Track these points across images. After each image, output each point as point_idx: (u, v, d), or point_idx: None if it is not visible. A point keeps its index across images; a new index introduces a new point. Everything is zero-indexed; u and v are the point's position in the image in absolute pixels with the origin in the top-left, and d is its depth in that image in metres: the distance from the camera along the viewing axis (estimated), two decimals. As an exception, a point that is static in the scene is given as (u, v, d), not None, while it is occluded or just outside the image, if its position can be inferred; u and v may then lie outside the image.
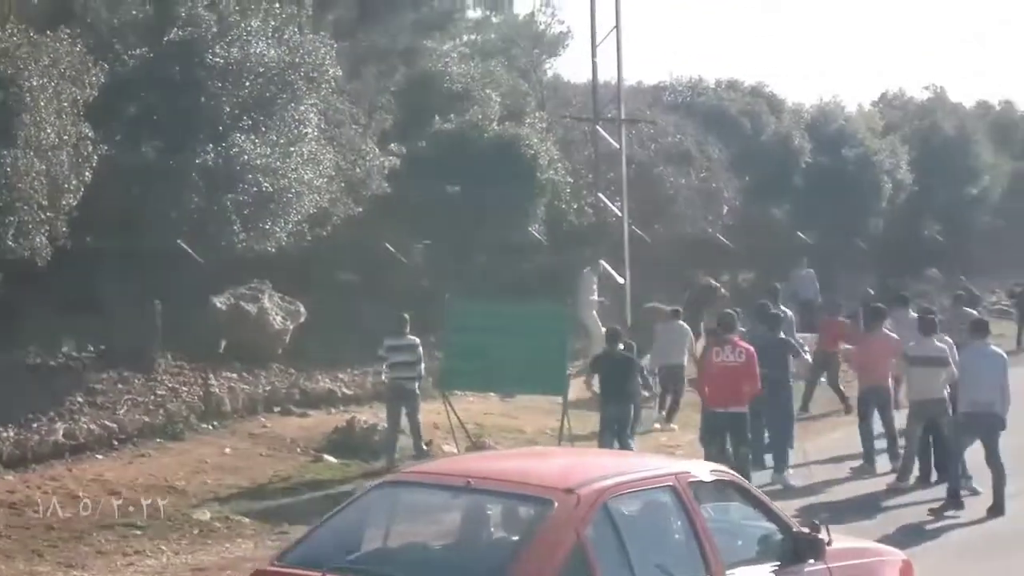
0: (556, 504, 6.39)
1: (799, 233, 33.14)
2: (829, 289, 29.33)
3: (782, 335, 15.82)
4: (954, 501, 13.37)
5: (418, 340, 16.10)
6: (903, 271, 36.24)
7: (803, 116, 36.15)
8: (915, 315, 16.52)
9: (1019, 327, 29.91)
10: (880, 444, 15.74)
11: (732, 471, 8.20)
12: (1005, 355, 14.00)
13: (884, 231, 36.71)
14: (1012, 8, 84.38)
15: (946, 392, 14.14)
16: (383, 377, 16.97)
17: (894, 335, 15.89)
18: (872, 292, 26.66)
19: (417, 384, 15.82)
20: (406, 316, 16.09)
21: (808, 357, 18.19)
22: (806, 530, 7.36)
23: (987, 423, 13.28)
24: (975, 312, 17.83)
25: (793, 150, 33.26)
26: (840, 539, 7.76)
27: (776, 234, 32.75)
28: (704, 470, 7.55)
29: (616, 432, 14.58)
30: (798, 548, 7.27)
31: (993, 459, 13.38)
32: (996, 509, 13.23)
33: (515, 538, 6.63)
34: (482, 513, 7.01)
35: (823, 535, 7.34)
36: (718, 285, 23.96)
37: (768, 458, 15.12)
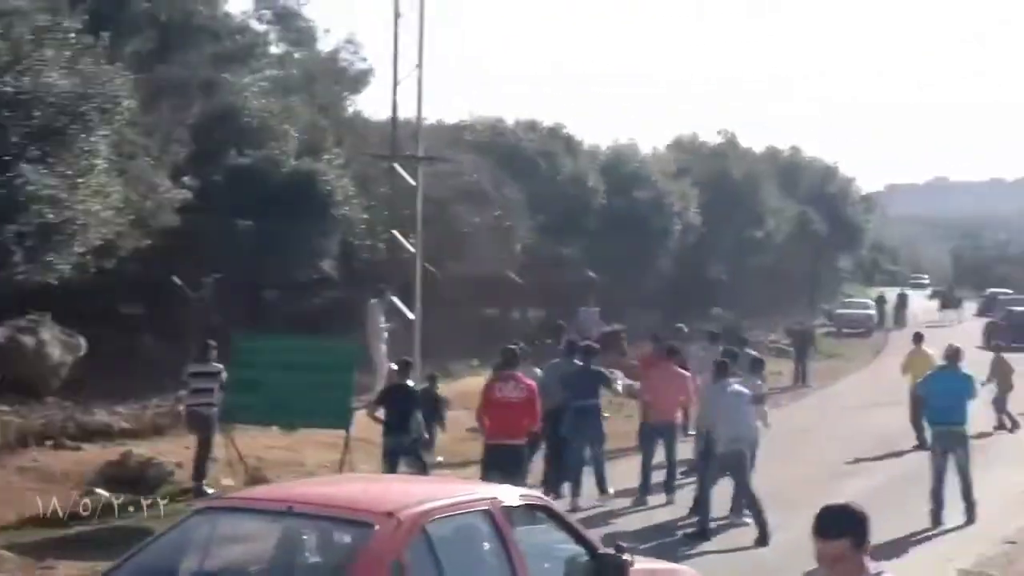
0: (377, 527, 6.51)
1: (589, 272, 34.15)
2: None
3: (594, 367, 16.40)
4: (702, 533, 14.11)
5: (222, 367, 16.15)
6: (690, 309, 37.65)
7: (599, 157, 37.40)
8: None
9: (796, 365, 31.25)
10: (658, 477, 16.25)
11: (542, 496, 8.53)
12: (748, 392, 14.71)
13: (673, 271, 38.23)
14: (794, 59, 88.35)
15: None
16: (181, 405, 16.96)
17: (684, 371, 16.70)
18: (656, 333, 27.57)
19: (215, 411, 15.85)
20: (212, 343, 16.19)
21: (619, 387, 18.93)
22: (611, 552, 7.64)
23: (733, 459, 14.09)
24: (751, 351, 18.84)
25: (588, 190, 34.41)
26: (641, 561, 8.13)
27: (568, 272, 33.72)
28: (515, 495, 7.77)
29: (403, 463, 14.96)
30: (603, 569, 7.50)
31: (744, 492, 14.18)
32: (760, 540, 13.72)
33: (337, 562, 6.77)
34: (304, 538, 7.07)
35: (627, 557, 7.64)
36: (620, 328, 24.48)
37: (566, 487, 15.70)
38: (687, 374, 16.54)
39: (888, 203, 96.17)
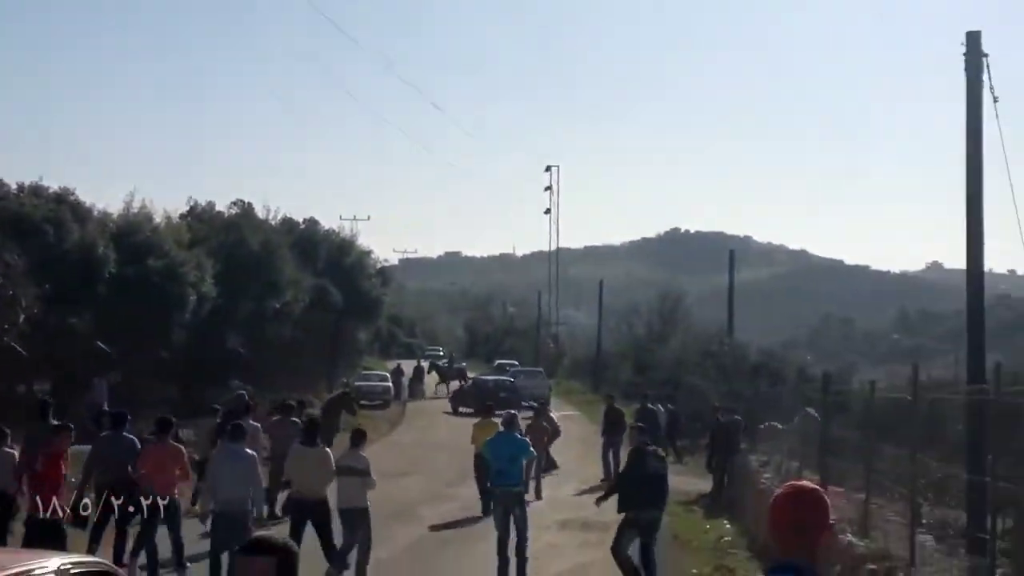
0: None
1: (99, 343, 32.78)
2: (129, 400, 29.24)
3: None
4: None
5: None
6: (207, 381, 36.98)
7: (109, 225, 36.06)
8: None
9: (710, 456, 27.78)
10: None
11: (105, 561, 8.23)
12: (255, 454, 14.94)
13: (188, 341, 37.40)
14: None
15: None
16: None
17: (179, 445, 16.29)
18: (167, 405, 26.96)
19: None
20: None
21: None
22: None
23: (237, 521, 13.88)
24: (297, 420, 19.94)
25: (97, 258, 33.09)
26: None
27: (77, 343, 32.21)
28: (75, 560, 7.49)
29: None
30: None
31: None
32: None
33: None
34: None
35: None
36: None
37: None
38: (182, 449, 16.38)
39: (403, 276, 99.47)
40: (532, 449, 18.27)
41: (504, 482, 16.03)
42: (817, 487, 4.66)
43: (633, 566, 14.40)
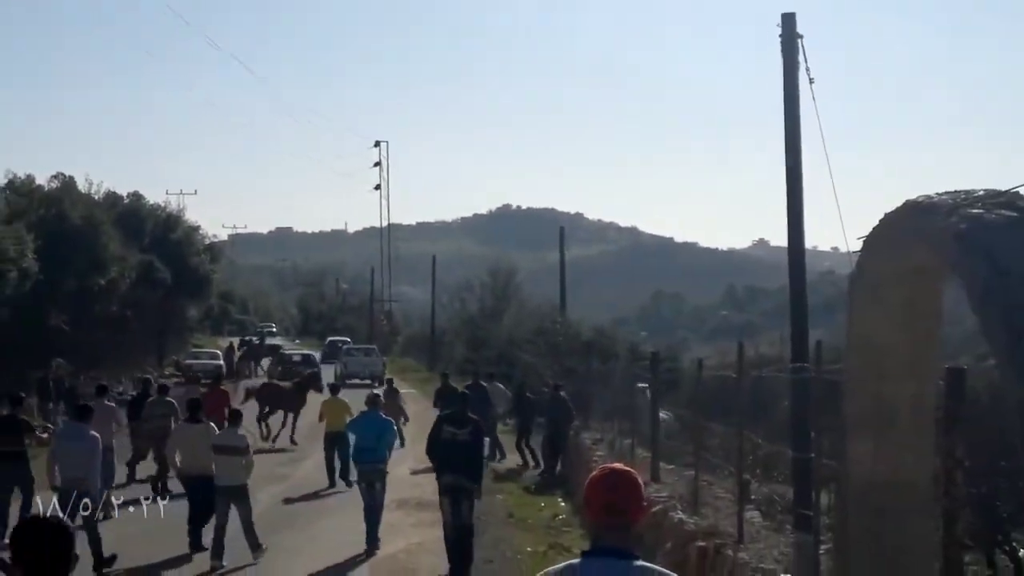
0: None
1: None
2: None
3: None
4: None
5: None
6: (31, 359, 35.76)
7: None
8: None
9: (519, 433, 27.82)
10: None
11: None
12: (97, 435, 14.89)
13: (10, 319, 36.05)
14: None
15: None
16: None
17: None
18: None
19: None
20: None
21: None
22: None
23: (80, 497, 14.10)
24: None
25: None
26: None
27: None
28: None
29: None
30: None
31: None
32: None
33: None
34: None
35: None
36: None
37: None
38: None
39: (233, 252, 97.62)
40: (395, 427, 18.98)
41: (370, 459, 16.89)
42: (631, 469, 4.72)
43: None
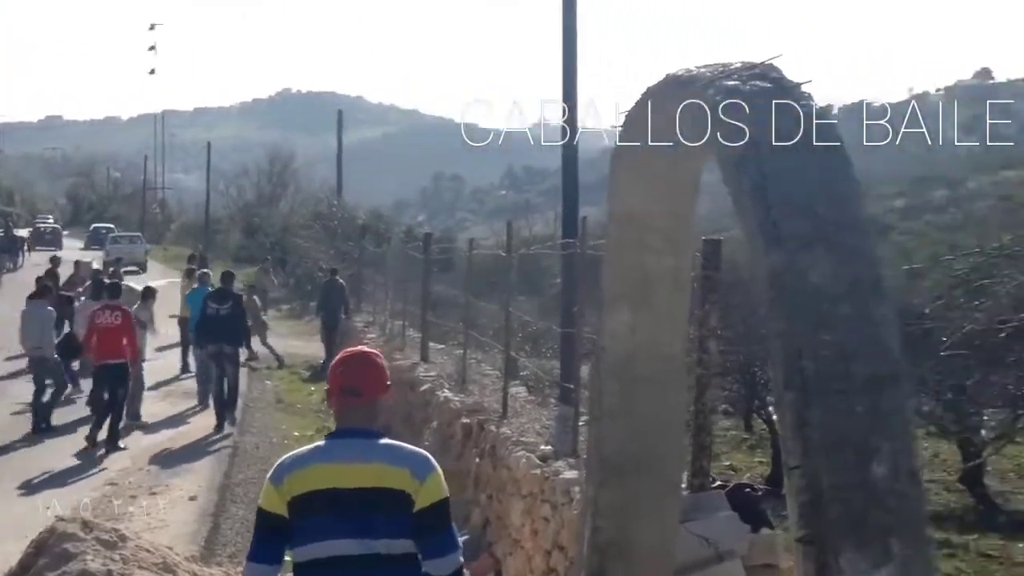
0: None
1: None
2: None
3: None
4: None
5: None
6: None
7: None
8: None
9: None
10: None
11: None
12: (52, 309, 17.27)
13: None
14: None
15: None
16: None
17: None
18: None
19: None
20: None
21: None
22: None
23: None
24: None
25: None
26: None
27: None
28: None
29: None
30: None
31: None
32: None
33: None
34: None
35: None
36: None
37: None
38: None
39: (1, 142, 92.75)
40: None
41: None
42: (372, 351, 4.69)
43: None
